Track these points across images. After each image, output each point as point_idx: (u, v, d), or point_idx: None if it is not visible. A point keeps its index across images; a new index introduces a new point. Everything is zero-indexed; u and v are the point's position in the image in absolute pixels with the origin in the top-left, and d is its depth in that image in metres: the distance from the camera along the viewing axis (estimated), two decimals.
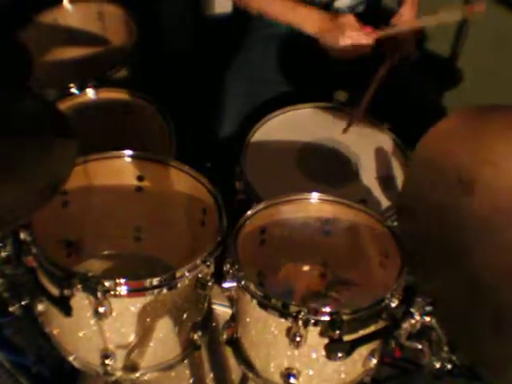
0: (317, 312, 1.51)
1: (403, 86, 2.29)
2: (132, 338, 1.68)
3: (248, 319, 1.66)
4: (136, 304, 1.62)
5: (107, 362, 1.69)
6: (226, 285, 1.62)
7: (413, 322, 1.53)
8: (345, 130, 2.09)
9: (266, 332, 1.61)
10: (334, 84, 2.46)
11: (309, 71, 2.36)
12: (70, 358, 1.76)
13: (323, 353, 1.52)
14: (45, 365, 2.11)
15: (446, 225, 1.39)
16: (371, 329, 1.57)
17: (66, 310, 1.59)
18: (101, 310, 1.58)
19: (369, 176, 1.98)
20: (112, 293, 1.58)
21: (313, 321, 1.52)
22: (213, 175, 1.81)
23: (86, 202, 1.87)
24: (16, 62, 1.80)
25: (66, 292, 1.57)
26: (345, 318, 1.51)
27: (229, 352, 1.77)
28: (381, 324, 1.58)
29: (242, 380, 1.96)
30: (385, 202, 1.92)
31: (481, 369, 1.28)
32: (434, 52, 2.56)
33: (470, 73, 2.55)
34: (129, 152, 1.83)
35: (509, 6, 2.59)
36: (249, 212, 1.71)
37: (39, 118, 1.71)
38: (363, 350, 1.63)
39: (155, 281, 1.60)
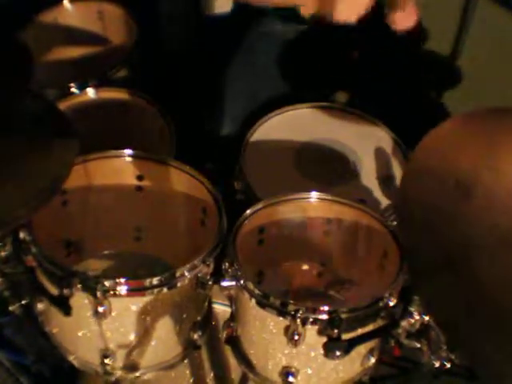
0: (315, 310, 1.52)
1: (403, 86, 2.30)
2: (132, 337, 1.68)
3: (247, 318, 1.66)
4: (136, 303, 1.63)
5: (107, 361, 1.70)
6: (225, 283, 1.62)
7: (412, 321, 1.53)
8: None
9: (264, 330, 1.61)
10: (333, 84, 2.46)
11: (309, 71, 2.36)
12: (70, 358, 1.77)
13: (321, 351, 1.53)
14: (45, 364, 2.11)
15: (443, 229, 1.39)
16: (370, 327, 1.57)
17: (66, 310, 1.59)
18: (100, 309, 1.58)
19: (368, 176, 1.98)
20: (112, 292, 1.58)
21: (311, 319, 1.52)
22: (213, 175, 1.81)
23: (86, 202, 1.87)
24: (16, 62, 1.80)
25: (66, 291, 1.57)
26: (343, 316, 1.52)
27: (229, 351, 1.78)
28: (379, 323, 1.58)
29: (242, 379, 1.96)
30: (384, 202, 1.92)
31: (479, 369, 1.28)
32: (434, 52, 2.56)
33: (470, 73, 2.55)
34: (129, 151, 1.83)
35: (509, 7, 2.59)
36: (247, 211, 1.71)
37: (39, 117, 1.71)
38: (362, 349, 1.63)
39: (155, 280, 1.60)
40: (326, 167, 2.01)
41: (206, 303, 1.79)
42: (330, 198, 1.77)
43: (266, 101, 2.26)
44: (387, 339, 1.64)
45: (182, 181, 1.83)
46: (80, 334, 1.70)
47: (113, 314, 1.61)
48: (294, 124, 2.11)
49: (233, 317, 1.74)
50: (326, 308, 1.52)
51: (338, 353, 1.50)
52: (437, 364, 1.55)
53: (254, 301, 1.58)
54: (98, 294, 1.56)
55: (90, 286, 1.57)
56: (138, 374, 1.75)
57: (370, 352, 1.66)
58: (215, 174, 1.88)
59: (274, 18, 2.24)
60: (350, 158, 2.03)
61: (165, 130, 2.04)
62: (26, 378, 2.09)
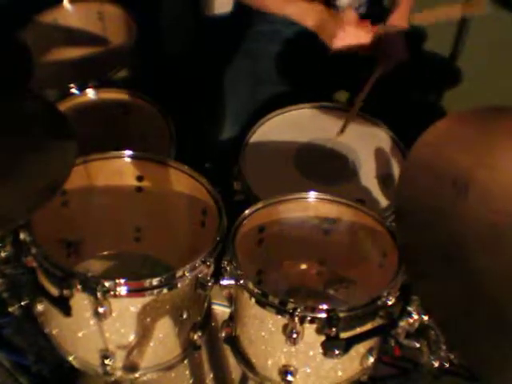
0: (313, 309, 1.52)
1: (403, 86, 2.30)
2: (132, 338, 1.68)
3: (246, 317, 1.66)
4: (136, 304, 1.63)
5: (107, 362, 1.70)
6: (224, 282, 1.62)
7: (411, 320, 1.53)
8: (339, 133, 2.09)
9: (263, 329, 1.62)
10: (333, 84, 2.46)
11: (308, 71, 2.36)
12: (70, 358, 1.77)
13: (320, 350, 1.53)
14: (44, 365, 2.11)
15: (441, 227, 1.39)
16: (368, 326, 1.57)
17: (66, 310, 1.59)
18: (100, 310, 1.58)
19: (367, 175, 1.98)
20: (112, 293, 1.58)
21: (309, 318, 1.52)
22: (212, 175, 1.81)
23: (86, 202, 1.87)
24: (16, 62, 1.80)
25: (66, 292, 1.58)
26: (341, 315, 1.52)
27: (228, 352, 1.78)
28: (378, 322, 1.58)
29: (241, 380, 1.96)
30: (383, 201, 1.92)
31: (478, 368, 1.28)
32: (434, 52, 2.56)
33: (470, 73, 2.55)
34: (129, 152, 1.84)
35: (509, 7, 2.59)
36: (247, 211, 1.71)
37: (39, 118, 1.71)
38: (360, 348, 1.63)
39: (155, 281, 1.60)
40: (325, 167, 2.01)
41: (206, 304, 1.79)
42: (329, 197, 1.77)
43: (266, 101, 2.26)
44: (386, 339, 1.64)
45: (181, 181, 1.83)
46: (80, 334, 1.70)
47: (113, 314, 1.61)
48: (294, 124, 2.11)
49: (232, 316, 1.74)
50: (324, 306, 1.52)
51: (336, 351, 1.50)
52: (436, 364, 1.55)
53: (253, 300, 1.59)
54: (98, 294, 1.56)
55: (90, 286, 1.57)
56: (137, 375, 1.75)
57: (369, 351, 1.66)
58: (215, 175, 1.88)
59: (274, 18, 2.24)
60: (350, 157, 2.03)
61: (165, 131, 2.04)
62: (26, 378, 2.09)
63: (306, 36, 2.16)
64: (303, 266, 1.89)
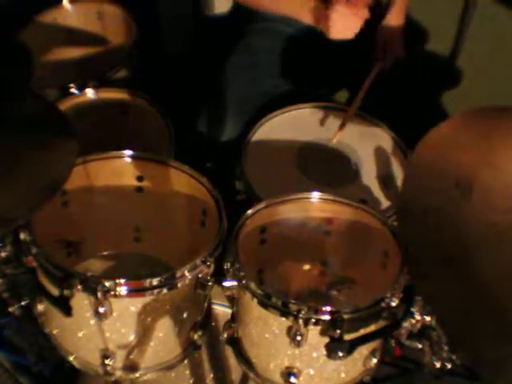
0: (317, 311, 1.51)
1: (403, 86, 2.30)
2: (132, 338, 1.68)
3: (248, 318, 1.66)
4: (136, 304, 1.62)
5: (107, 361, 1.69)
6: (227, 284, 1.62)
7: (413, 321, 1.53)
8: (338, 130, 2.09)
9: (266, 331, 1.61)
10: (334, 84, 2.46)
11: (309, 71, 2.36)
12: (70, 358, 1.76)
13: (324, 352, 1.52)
14: (45, 365, 2.11)
15: (444, 228, 1.39)
16: (372, 328, 1.57)
17: (66, 310, 1.58)
18: (101, 310, 1.58)
19: (369, 175, 1.98)
20: (112, 293, 1.58)
21: (313, 320, 1.52)
22: (213, 175, 1.81)
23: (86, 202, 1.86)
24: (16, 62, 1.80)
25: (66, 292, 1.57)
26: (345, 317, 1.51)
27: (229, 352, 1.78)
28: (381, 323, 1.58)
29: (242, 380, 1.96)
30: (385, 202, 1.92)
31: (480, 369, 1.28)
32: (434, 52, 2.56)
33: (470, 73, 2.55)
34: (129, 152, 1.83)
35: (509, 6, 2.59)
36: (249, 211, 1.71)
37: (39, 117, 1.71)
38: (364, 350, 1.63)
39: (155, 281, 1.59)
40: (326, 167, 2.01)
41: (206, 304, 1.79)
42: (331, 197, 1.77)
43: (267, 101, 2.26)
44: (388, 339, 1.64)
45: (182, 181, 1.83)
46: (80, 334, 1.70)
47: (113, 314, 1.61)
48: (295, 124, 2.11)
49: (234, 318, 1.74)
50: (328, 308, 1.52)
51: (340, 353, 1.49)
52: (438, 364, 1.55)
53: (255, 301, 1.58)
54: (99, 294, 1.56)
55: (91, 286, 1.56)
56: (138, 375, 1.75)
57: (372, 353, 1.66)
58: (216, 175, 1.88)
59: (274, 17, 2.24)
60: (351, 158, 2.03)
61: (165, 131, 2.03)
62: (26, 378, 2.09)
63: (307, 35, 2.16)
64: (305, 267, 1.89)
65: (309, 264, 1.88)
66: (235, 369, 1.93)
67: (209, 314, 1.83)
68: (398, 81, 2.27)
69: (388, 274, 1.66)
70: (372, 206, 1.82)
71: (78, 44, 2.41)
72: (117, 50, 2.41)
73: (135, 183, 1.87)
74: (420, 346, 1.56)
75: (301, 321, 1.51)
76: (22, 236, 1.64)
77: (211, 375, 1.99)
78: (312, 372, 1.63)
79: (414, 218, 1.41)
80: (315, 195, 1.77)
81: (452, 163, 1.46)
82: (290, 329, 1.55)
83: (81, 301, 1.60)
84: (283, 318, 1.55)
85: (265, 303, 1.57)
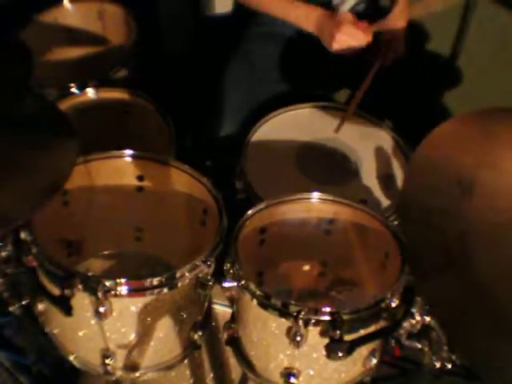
0: (317, 312, 1.51)
1: (403, 86, 2.30)
2: (132, 337, 1.68)
3: (248, 319, 1.66)
4: (136, 304, 1.62)
5: (107, 361, 1.69)
6: (226, 284, 1.62)
7: (413, 321, 1.53)
8: (337, 130, 2.09)
9: (266, 331, 1.61)
10: (334, 84, 2.46)
11: (309, 71, 2.36)
12: (71, 358, 1.77)
13: (323, 352, 1.52)
14: (45, 364, 2.11)
15: (444, 227, 1.39)
16: (371, 329, 1.57)
17: (67, 310, 1.58)
18: (101, 309, 1.58)
19: (369, 175, 1.98)
20: (112, 292, 1.58)
21: (313, 320, 1.52)
22: (213, 175, 1.81)
23: (87, 202, 1.87)
24: (16, 62, 1.80)
25: (67, 292, 1.57)
26: (345, 317, 1.51)
27: (229, 351, 1.78)
28: (381, 324, 1.58)
29: (242, 380, 1.96)
30: (385, 202, 1.92)
31: (479, 369, 1.28)
32: (434, 52, 2.56)
33: (470, 73, 2.55)
34: (129, 152, 1.83)
35: (509, 7, 2.59)
36: (249, 212, 1.71)
37: (39, 117, 1.71)
38: (363, 350, 1.63)
39: (156, 280, 1.59)
40: (326, 167, 2.01)
41: (207, 303, 1.79)
42: (331, 198, 1.77)
43: (267, 100, 2.26)
44: (388, 339, 1.64)
45: (182, 181, 1.83)
46: (81, 334, 1.70)
47: (113, 314, 1.61)
48: (295, 124, 2.11)
49: (233, 318, 1.74)
50: (328, 309, 1.51)
51: (340, 354, 1.49)
52: (438, 365, 1.55)
53: (255, 301, 1.58)
54: (99, 294, 1.56)
55: (91, 286, 1.57)
56: (138, 374, 1.75)
57: (372, 353, 1.66)
58: (216, 174, 1.88)
59: (274, 18, 2.24)
60: (351, 157, 2.03)
61: (165, 130, 2.03)
62: (26, 377, 2.09)
63: (306, 36, 2.16)
64: (305, 267, 1.89)
65: (309, 264, 1.88)
66: (235, 368, 1.93)
67: (209, 314, 1.83)
68: (398, 81, 2.27)
69: (388, 274, 1.66)
70: (372, 206, 1.83)
71: (78, 44, 2.41)
72: (117, 49, 2.41)
73: (136, 183, 1.87)
74: (420, 346, 1.56)
75: (301, 321, 1.51)
76: (23, 235, 1.64)
77: (211, 375, 1.99)
78: (312, 372, 1.63)
79: (414, 217, 1.41)
80: (315, 195, 1.77)
81: (453, 163, 1.46)
82: (289, 329, 1.55)
83: (81, 300, 1.60)
84: (283, 319, 1.55)
85: (264, 304, 1.57)
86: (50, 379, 2.12)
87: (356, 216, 1.76)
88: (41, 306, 1.73)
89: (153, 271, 1.87)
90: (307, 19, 2.13)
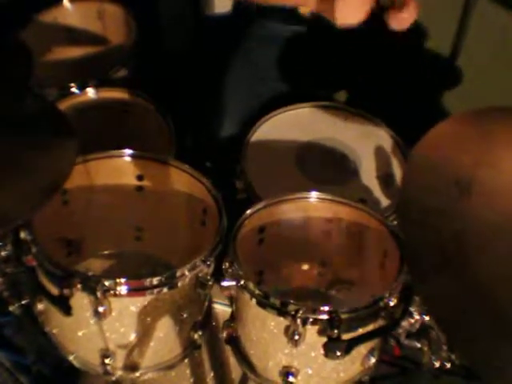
0: (315, 311, 1.51)
1: (403, 85, 2.30)
2: (132, 337, 1.68)
3: (247, 318, 1.66)
4: (136, 303, 1.62)
5: (107, 361, 1.69)
6: (225, 283, 1.62)
7: (412, 321, 1.53)
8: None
9: (264, 330, 1.61)
10: (334, 84, 2.46)
11: (309, 71, 2.36)
12: (70, 358, 1.76)
13: (322, 351, 1.53)
14: (45, 364, 2.11)
15: (443, 227, 1.39)
16: (370, 328, 1.57)
17: (66, 310, 1.58)
18: (101, 309, 1.58)
19: (368, 175, 1.98)
20: (112, 292, 1.58)
21: (311, 319, 1.52)
22: (213, 174, 1.81)
23: (87, 201, 1.87)
24: (16, 62, 1.80)
25: (66, 291, 1.57)
26: (343, 316, 1.51)
27: (229, 351, 1.78)
28: (379, 323, 1.58)
29: (242, 379, 1.96)
30: (385, 201, 1.92)
31: (479, 369, 1.28)
32: (434, 52, 2.56)
33: (470, 73, 2.55)
34: (129, 151, 1.83)
35: (509, 6, 2.59)
36: (248, 211, 1.71)
37: (39, 117, 1.71)
38: (362, 349, 1.63)
39: (155, 280, 1.59)
40: (326, 167, 2.01)
41: (207, 303, 1.79)
42: (330, 197, 1.77)
43: (267, 100, 2.26)
44: (387, 339, 1.64)
45: (182, 181, 1.83)
46: (80, 333, 1.70)
47: (113, 313, 1.61)
48: (295, 123, 2.10)
49: (233, 317, 1.74)
50: (326, 308, 1.52)
51: (338, 353, 1.50)
52: (437, 364, 1.55)
53: (254, 301, 1.58)
54: (99, 293, 1.56)
55: (91, 285, 1.57)
56: (138, 374, 1.75)
57: (371, 352, 1.66)
58: (216, 174, 1.88)
59: (274, 19, 2.24)
60: (351, 157, 2.03)
61: (165, 130, 2.03)
62: (26, 377, 2.09)
63: (306, 36, 2.17)
64: (304, 267, 1.89)
65: (308, 264, 1.88)
66: (235, 368, 1.92)
67: (209, 314, 1.83)
68: (398, 80, 2.27)
69: (387, 273, 1.66)
70: (372, 206, 1.83)
71: (78, 43, 2.41)
72: (117, 49, 2.41)
73: (135, 182, 1.87)
74: (419, 345, 1.56)
75: (298, 320, 1.51)
76: (22, 235, 1.64)
77: (211, 374, 1.99)
78: (310, 371, 1.63)
79: (412, 217, 1.41)
80: (314, 195, 1.77)
81: (451, 163, 1.46)
82: (287, 328, 1.55)
83: (80, 300, 1.60)
84: (281, 318, 1.55)
85: (263, 303, 1.57)
86: (49, 379, 2.12)
87: (355, 215, 1.76)
88: (40, 306, 1.73)
89: (152, 271, 1.87)
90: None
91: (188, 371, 1.98)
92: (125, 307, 1.63)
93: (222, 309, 1.86)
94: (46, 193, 1.54)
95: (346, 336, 1.52)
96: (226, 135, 2.25)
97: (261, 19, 2.32)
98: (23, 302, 1.74)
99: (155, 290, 1.61)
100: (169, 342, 1.75)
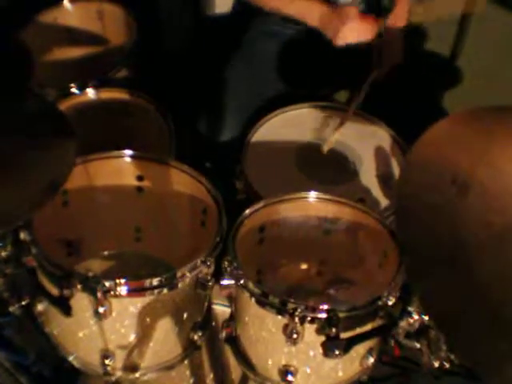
0: (313, 309, 1.52)
1: (403, 85, 2.30)
2: (132, 338, 1.68)
3: (246, 317, 1.66)
4: (136, 304, 1.63)
5: (107, 362, 1.70)
6: (225, 282, 1.62)
7: (411, 320, 1.53)
8: (336, 130, 2.08)
9: (263, 329, 1.62)
10: (334, 84, 2.46)
11: (309, 71, 2.36)
12: (70, 358, 1.77)
13: (320, 350, 1.53)
14: (45, 364, 2.11)
15: (441, 227, 1.39)
16: (368, 327, 1.57)
17: (66, 310, 1.59)
18: (101, 310, 1.58)
19: (368, 175, 1.98)
20: (112, 293, 1.58)
21: (309, 318, 1.52)
22: (213, 175, 1.81)
23: (87, 202, 1.87)
24: (16, 62, 1.80)
25: (66, 292, 1.57)
26: (341, 315, 1.52)
27: (229, 351, 1.78)
28: (378, 322, 1.58)
29: (242, 379, 1.96)
30: (384, 201, 1.92)
31: (479, 368, 1.28)
32: (434, 52, 2.56)
33: (470, 73, 2.55)
34: (129, 152, 1.84)
35: (509, 7, 2.59)
36: (247, 210, 1.71)
37: (39, 117, 1.71)
38: (360, 348, 1.63)
39: (155, 281, 1.60)
40: (326, 166, 2.01)
41: (207, 304, 1.79)
42: (329, 197, 1.77)
43: (267, 100, 2.26)
44: (386, 339, 1.64)
45: (182, 181, 1.83)
46: (80, 334, 1.70)
47: (113, 314, 1.61)
48: (295, 124, 2.11)
49: (232, 316, 1.74)
50: (324, 307, 1.52)
51: (336, 352, 1.50)
52: (436, 364, 1.55)
53: (253, 299, 1.59)
54: (99, 294, 1.56)
55: (91, 286, 1.57)
56: (138, 375, 1.75)
57: (369, 352, 1.66)
58: (215, 174, 1.88)
59: (274, 18, 2.24)
60: (350, 157, 2.03)
61: (165, 130, 2.03)
62: (26, 378, 2.09)
63: (306, 36, 2.16)
64: (303, 266, 1.89)
65: (307, 263, 1.89)
66: (235, 368, 1.93)
67: (209, 314, 1.83)
68: (398, 81, 2.27)
69: (386, 273, 1.66)
70: (370, 206, 1.83)
71: (78, 44, 2.41)
72: (117, 49, 2.41)
73: (135, 183, 1.87)
74: (418, 345, 1.56)
75: (297, 319, 1.51)
76: (22, 236, 1.64)
77: (211, 375, 1.99)
78: (309, 370, 1.63)
79: (411, 216, 1.41)
80: (313, 195, 1.77)
81: (449, 162, 1.46)
82: (286, 327, 1.55)
83: (80, 301, 1.60)
84: (279, 316, 1.55)
85: (262, 302, 1.57)
86: (49, 379, 2.12)
87: (354, 215, 1.76)
88: (40, 307, 1.73)
89: (152, 271, 1.86)
90: (310, 13, 2.12)
91: (188, 372, 1.98)
92: (125, 308, 1.63)
93: (221, 309, 1.86)
94: (46, 193, 1.54)
95: (344, 335, 1.53)
96: (226, 135, 2.25)
97: (261, 19, 2.32)
98: (23, 303, 1.74)
99: (155, 291, 1.61)
100: (169, 343, 1.75)
